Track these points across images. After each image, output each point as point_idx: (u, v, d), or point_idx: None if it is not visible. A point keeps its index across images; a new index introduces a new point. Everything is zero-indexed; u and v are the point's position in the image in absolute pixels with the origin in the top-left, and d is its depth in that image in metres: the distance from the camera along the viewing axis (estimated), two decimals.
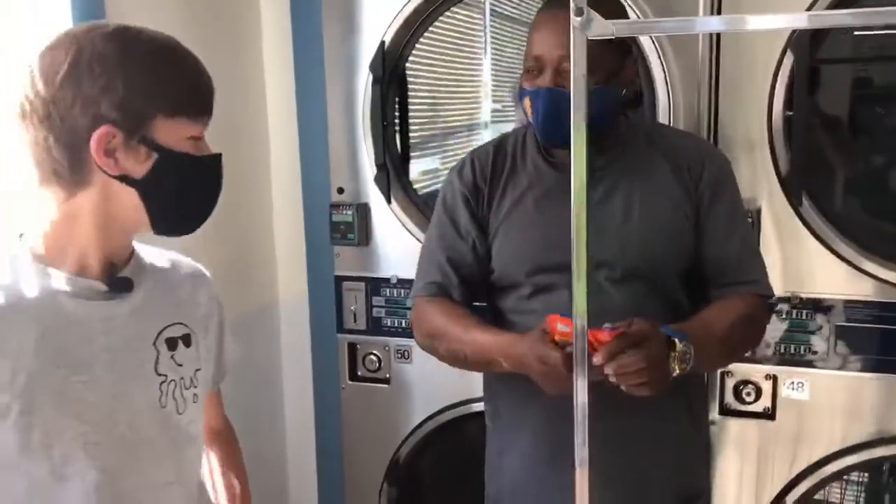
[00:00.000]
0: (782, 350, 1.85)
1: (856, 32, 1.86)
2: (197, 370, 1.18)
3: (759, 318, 1.53)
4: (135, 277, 1.12)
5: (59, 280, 1.05)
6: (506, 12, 2.80)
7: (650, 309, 1.44)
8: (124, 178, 1.03)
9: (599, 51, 1.43)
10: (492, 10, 2.70)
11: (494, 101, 2.90)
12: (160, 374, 1.12)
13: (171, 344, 1.14)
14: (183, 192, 1.08)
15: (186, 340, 1.16)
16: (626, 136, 1.53)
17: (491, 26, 2.75)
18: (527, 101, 1.44)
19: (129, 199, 1.04)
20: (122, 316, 1.09)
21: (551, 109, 1.41)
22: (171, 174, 1.05)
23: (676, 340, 1.31)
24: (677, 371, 1.32)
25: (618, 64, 1.47)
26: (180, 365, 1.14)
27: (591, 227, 1.45)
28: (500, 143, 1.59)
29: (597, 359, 1.26)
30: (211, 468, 1.35)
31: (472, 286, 1.57)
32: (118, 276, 1.10)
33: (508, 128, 2.63)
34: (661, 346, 1.30)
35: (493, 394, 1.65)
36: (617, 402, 1.41)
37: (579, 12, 0.99)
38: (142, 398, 1.10)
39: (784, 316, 1.82)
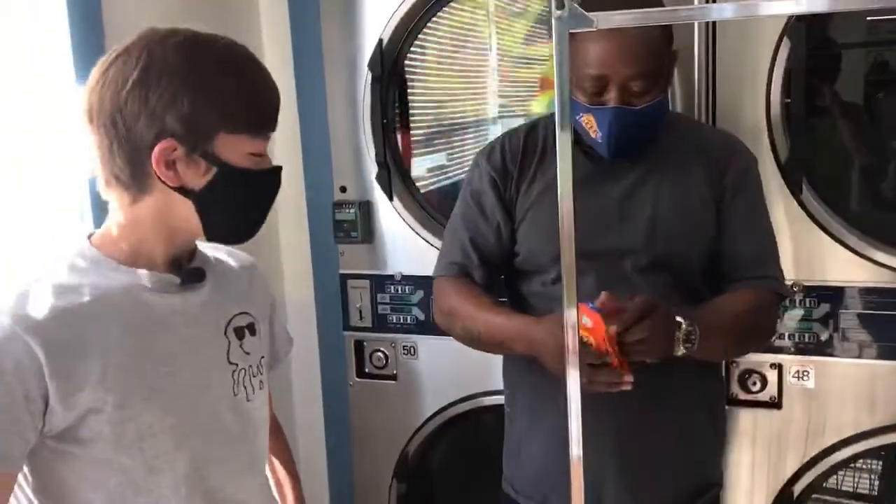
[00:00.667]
0: (786, 339, 1.83)
1: (868, 18, 1.84)
2: (262, 357, 1.21)
3: (770, 313, 1.53)
4: (203, 267, 1.15)
5: (137, 275, 1.07)
6: (509, 7, 2.79)
7: (674, 299, 1.44)
8: (183, 190, 1.05)
9: (665, 59, 1.45)
10: (495, 5, 2.69)
11: (501, 97, 2.90)
12: (232, 363, 1.15)
13: (239, 333, 1.17)
14: (238, 205, 1.09)
15: (252, 329, 1.19)
16: (661, 128, 1.52)
17: (495, 21, 2.75)
18: (588, 118, 1.44)
19: (186, 209, 1.06)
20: (195, 307, 1.12)
21: (622, 128, 1.41)
22: (229, 188, 1.06)
23: (681, 319, 1.33)
24: (682, 351, 1.33)
25: (672, 65, 1.49)
26: (248, 353, 1.17)
27: (619, 215, 1.47)
28: (530, 129, 1.59)
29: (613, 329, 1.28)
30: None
31: (494, 268, 1.59)
32: (189, 268, 1.13)
33: (516, 123, 2.63)
34: (666, 316, 1.32)
35: (513, 379, 1.66)
36: (634, 394, 1.42)
37: (560, 5, 0.99)
38: (218, 387, 1.13)
39: (788, 304, 1.81)
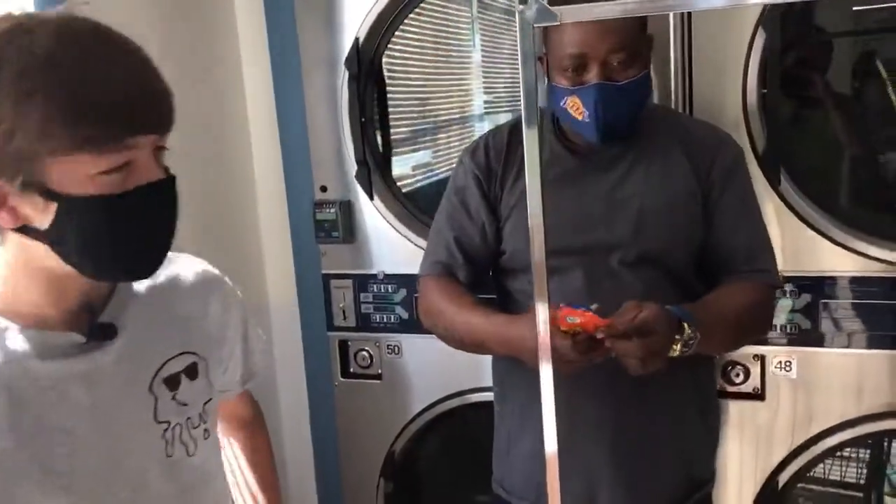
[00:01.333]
0: None
1: (854, 7, 1.84)
2: (206, 402, 1.03)
3: (766, 306, 1.54)
4: (119, 317, 0.95)
5: (24, 339, 0.88)
6: (491, 2, 2.78)
7: (663, 294, 1.44)
8: (29, 230, 0.84)
9: (644, 36, 1.44)
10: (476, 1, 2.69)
11: (486, 93, 2.89)
12: (161, 422, 0.97)
13: (172, 382, 0.99)
14: (105, 239, 0.85)
15: (192, 372, 1.02)
16: (646, 121, 1.52)
17: (477, 16, 2.74)
18: (573, 101, 1.41)
19: (44, 251, 0.86)
20: (106, 366, 0.93)
21: (608, 104, 1.39)
22: (81, 222, 0.83)
23: (686, 324, 1.31)
24: (677, 353, 1.32)
25: (649, 45, 1.48)
26: (185, 405, 1.00)
27: (606, 210, 1.46)
28: (515, 126, 1.58)
29: (600, 334, 1.27)
30: (235, 456, 1.28)
31: (479, 267, 1.58)
32: (98, 324, 0.93)
33: (502, 119, 2.62)
34: (665, 335, 1.30)
35: (502, 378, 1.65)
36: (627, 388, 1.42)
37: (523, 0, 0.99)
38: (142, 454, 0.96)
39: None
